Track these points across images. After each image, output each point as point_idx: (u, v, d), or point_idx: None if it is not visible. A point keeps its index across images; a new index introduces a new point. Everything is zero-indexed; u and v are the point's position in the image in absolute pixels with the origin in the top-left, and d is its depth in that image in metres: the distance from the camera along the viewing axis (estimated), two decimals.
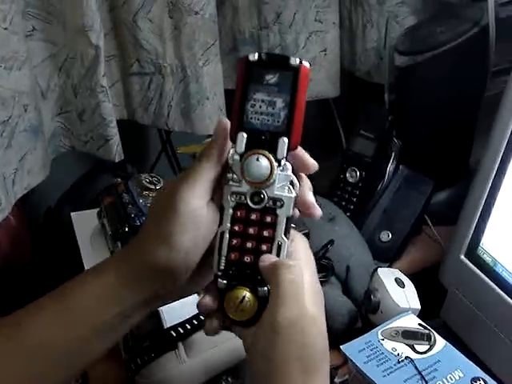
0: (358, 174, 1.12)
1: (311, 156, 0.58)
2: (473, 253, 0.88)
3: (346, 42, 1.27)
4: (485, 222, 0.87)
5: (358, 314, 0.94)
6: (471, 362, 0.76)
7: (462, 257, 0.90)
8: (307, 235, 0.60)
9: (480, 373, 0.75)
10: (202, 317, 0.82)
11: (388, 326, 0.82)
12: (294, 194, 0.55)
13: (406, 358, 0.76)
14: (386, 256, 1.08)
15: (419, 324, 0.82)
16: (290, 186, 0.55)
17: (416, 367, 0.75)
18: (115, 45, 1.10)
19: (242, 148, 0.55)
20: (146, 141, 1.36)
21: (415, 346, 0.78)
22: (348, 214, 1.10)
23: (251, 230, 0.56)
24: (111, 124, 1.06)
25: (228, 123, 0.56)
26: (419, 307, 0.90)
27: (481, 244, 0.87)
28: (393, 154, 1.13)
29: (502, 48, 1.06)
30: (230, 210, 0.56)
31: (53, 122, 1.08)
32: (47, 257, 1.08)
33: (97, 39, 0.98)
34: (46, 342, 0.57)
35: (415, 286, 0.94)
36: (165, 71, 1.11)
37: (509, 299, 0.81)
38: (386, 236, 1.09)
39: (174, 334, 0.82)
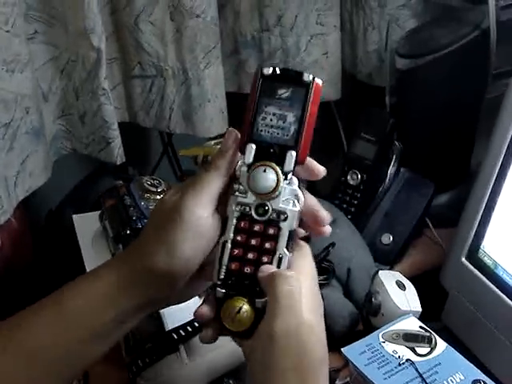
0: (359, 176, 1.13)
1: (313, 158, 0.58)
2: (474, 255, 0.88)
3: (347, 45, 1.27)
4: (486, 225, 0.87)
5: (358, 317, 0.94)
6: (472, 365, 0.76)
7: (463, 259, 0.90)
8: (308, 238, 0.60)
9: (481, 375, 0.75)
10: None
11: (389, 329, 0.82)
12: (298, 208, 0.56)
13: (407, 360, 0.76)
14: (387, 258, 1.08)
15: (420, 326, 0.82)
16: (295, 200, 0.56)
17: (417, 370, 0.75)
18: (117, 48, 1.11)
19: (250, 159, 0.56)
20: (147, 143, 1.36)
21: (416, 348, 0.78)
22: (349, 216, 1.10)
23: (253, 242, 0.56)
24: (113, 126, 1.06)
25: (238, 135, 0.57)
26: (420, 310, 0.90)
27: (482, 247, 0.87)
28: (394, 157, 1.13)
29: (503, 51, 1.07)
30: (234, 220, 0.56)
31: (54, 125, 1.08)
32: (49, 259, 1.08)
33: (98, 42, 0.99)
34: (46, 344, 0.57)
35: (416, 289, 0.94)
36: (166, 74, 1.11)
37: (509, 301, 0.81)
38: (387, 238, 1.09)
39: (176, 337, 0.82)
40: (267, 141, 0.55)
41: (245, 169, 0.56)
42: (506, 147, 0.83)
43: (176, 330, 0.83)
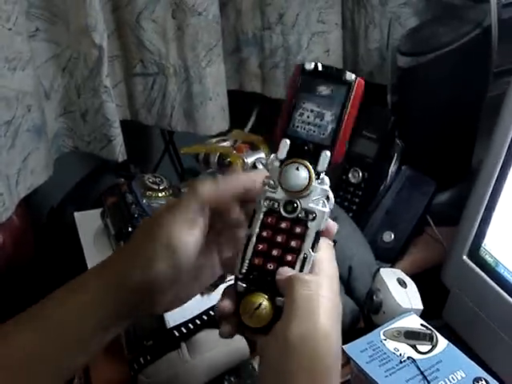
0: (361, 174, 1.13)
1: None
2: (475, 253, 0.88)
3: (348, 43, 1.27)
4: (487, 223, 0.87)
5: (360, 314, 0.94)
6: (473, 362, 0.76)
7: (464, 257, 0.90)
8: (334, 241, 0.59)
9: (482, 373, 0.75)
10: (205, 316, 0.83)
11: (390, 327, 0.82)
12: (327, 209, 0.55)
13: (408, 358, 0.76)
14: (388, 256, 1.08)
15: (421, 324, 0.82)
16: (325, 201, 0.55)
17: (418, 367, 0.75)
18: (118, 45, 1.11)
19: (283, 154, 0.55)
20: (149, 141, 1.36)
21: (417, 346, 0.78)
22: (350, 214, 1.10)
23: (279, 238, 0.55)
24: (114, 124, 1.06)
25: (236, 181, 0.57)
26: (421, 307, 0.90)
27: (483, 245, 0.87)
28: (395, 155, 1.13)
29: (505, 49, 1.06)
30: (261, 215, 0.55)
31: (56, 123, 1.08)
32: (50, 257, 1.08)
33: (100, 40, 0.99)
34: (33, 356, 0.57)
35: (417, 287, 0.94)
36: (168, 72, 1.12)
37: (510, 299, 0.81)
38: (388, 236, 1.09)
39: (177, 334, 0.82)
40: (303, 137, 0.55)
41: (277, 164, 0.55)
42: (507, 145, 0.82)
43: (177, 327, 0.83)
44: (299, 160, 0.54)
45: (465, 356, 0.77)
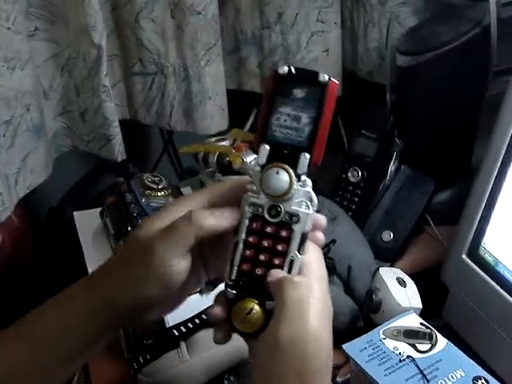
0: (360, 173, 1.13)
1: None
2: (474, 252, 0.88)
3: (347, 42, 1.27)
4: (486, 222, 0.87)
5: (359, 314, 0.94)
6: (473, 361, 0.76)
7: (464, 256, 0.90)
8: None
9: (481, 372, 0.75)
10: (204, 316, 0.83)
11: (390, 326, 0.82)
12: (311, 211, 0.55)
13: (408, 357, 0.76)
14: (387, 255, 1.08)
15: (421, 323, 0.82)
16: (309, 203, 0.55)
17: (418, 366, 0.75)
18: (117, 45, 1.11)
19: (263, 160, 0.55)
20: (148, 140, 1.36)
21: (417, 345, 0.78)
22: (350, 213, 1.10)
23: (265, 243, 0.55)
24: (113, 124, 1.06)
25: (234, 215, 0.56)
26: (421, 306, 0.90)
27: (482, 243, 0.87)
28: (394, 154, 1.13)
29: (504, 48, 1.06)
30: (246, 221, 0.55)
31: (55, 122, 1.08)
32: (49, 256, 1.08)
33: (99, 39, 0.99)
34: (18, 369, 0.57)
35: (417, 286, 0.94)
36: (167, 71, 1.12)
37: (510, 298, 0.81)
38: (387, 236, 1.09)
39: (177, 333, 0.82)
40: (281, 142, 0.55)
41: (258, 169, 0.55)
42: (506, 144, 0.83)
43: (177, 326, 0.83)
44: (279, 164, 0.54)
45: (464, 355, 0.77)
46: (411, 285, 0.94)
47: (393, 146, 1.13)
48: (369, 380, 0.74)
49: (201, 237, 0.55)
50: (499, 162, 0.84)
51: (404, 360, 0.76)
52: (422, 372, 0.74)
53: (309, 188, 0.55)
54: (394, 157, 1.12)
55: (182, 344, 0.82)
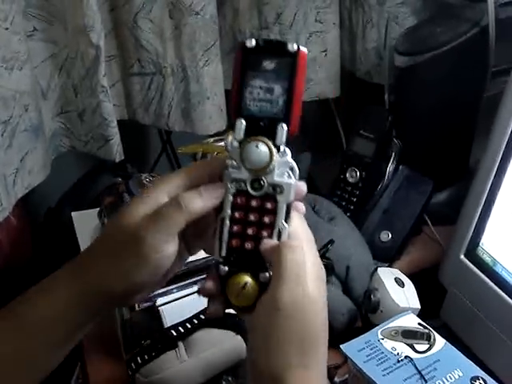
0: (358, 174, 1.13)
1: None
2: (472, 253, 0.89)
3: (346, 43, 1.27)
4: (484, 222, 0.87)
5: (357, 314, 0.94)
6: (471, 362, 0.76)
7: (462, 257, 0.90)
8: None
9: (479, 372, 0.75)
10: (202, 316, 0.83)
11: (388, 326, 0.82)
12: (293, 181, 0.55)
13: (406, 357, 0.76)
14: (385, 256, 1.08)
15: (419, 323, 0.82)
16: (290, 172, 0.55)
17: (416, 366, 0.75)
18: (116, 45, 1.11)
19: (240, 135, 0.55)
20: (146, 141, 1.36)
21: (415, 345, 0.78)
22: (348, 213, 1.10)
23: (252, 217, 0.56)
24: (112, 124, 1.06)
25: (218, 190, 0.56)
26: (419, 307, 0.90)
27: (480, 244, 0.87)
28: (393, 155, 1.13)
29: (502, 48, 1.07)
30: (230, 197, 0.55)
31: (53, 122, 1.08)
32: (48, 256, 1.08)
33: (97, 39, 0.99)
34: (5, 355, 0.57)
35: (415, 286, 0.94)
36: (165, 71, 1.11)
37: (508, 299, 0.82)
38: (385, 236, 1.09)
39: (175, 333, 0.82)
40: (256, 115, 0.54)
41: (236, 145, 0.55)
42: (504, 145, 0.83)
43: (175, 327, 0.83)
44: (257, 137, 0.54)
45: (462, 355, 0.77)
46: (409, 285, 0.94)
47: (391, 147, 1.13)
48: (367, 380, 0.74)
49: (191, 220, 0.55)
50: (497, 162, 0.84)
51: (402, 360, 0.76)
52: (419, 372, 0.74)
53: (289, 158, 0.55)
54: (392, 157, 1.13)
55: (180, 344, 0.82)
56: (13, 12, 0.91)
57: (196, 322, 0.83)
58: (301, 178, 0.56)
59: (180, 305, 0.86)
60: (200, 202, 0.55)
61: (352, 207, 1.13)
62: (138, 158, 1.31)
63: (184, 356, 0.81)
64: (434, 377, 0.74)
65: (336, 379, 0.84)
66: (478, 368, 0.75)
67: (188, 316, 0.84)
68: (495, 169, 0.84)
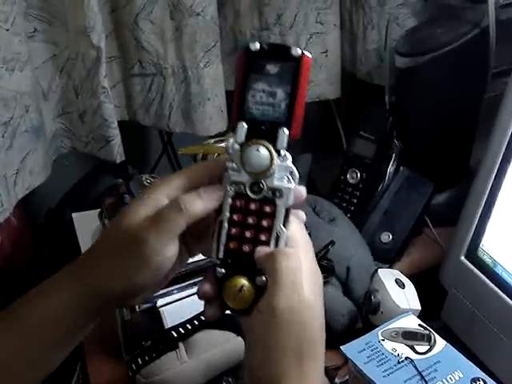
0: (359, 175, 1.13)
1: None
2: (473, 254, 0.89)
3: (346, 44, 1.27)
4: (485, 224, 0.87)
5: (358, 315, 0.94)
6: (471, 363, 0.76)
7: (463, 258, 0.90)
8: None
9: (480, 373, 0.75)
10: (202, 317, 0.83)
11: (388, 327, 0.82)
12: (293, 185, 0.55)
13: (406, 358, 0.76)
14: (386, 257, 1.08)
15: (419, 325, 0.82)
16: (290, 177, 0.55)
17: (416, 368, 0.75)
18: (117, 46, 1.11)
19: (241, 138, 0.55)
20: (147, 142, 1.36)
21: (415, 346, 0.78)
22: (348, 215, 1.10)
23: (250, 220, 0.56)
24: (112, 125, 1.06)
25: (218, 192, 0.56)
26: (419, 308, 0.90)
27: (481, 245, 0.87)
28: (393, 156, 1.13)
29: (503, 50, 1.07)
30: (229, 200, 0.55)
31: (54, 123, 1.08)
32: (48, 257, 1.08)
33: (98, 40, 0.99)
34: (6, 359, 0.57)
35: (415, 287, 0.94)
36: (166, 72, 1.12)
37: (509, 300, 0.81)
38: (386, 237, 1.09)
39: (175, 335, 0.82)
40: (258, 118, 0.54)
41: (237, 147, 0.55)
42: (505, 146, 0.83)
43: (175, 328, 0.83)
44: (258, 141, 0.54)
45: (463, 356, 0.77)
46: (410, 286, 0.94)
47: (391, 148, 1.13)
48: (367, 381, 0.74)
49: (191, 223, 0.55)
50: (498, 164, 0.84)
51: (402, 361, 0.76)
52: (420, 373, 0.74)
53: (289, 162, 0.55)
54: (392, 158, 1.13)
55: (181, 345, 0.82)
56: (14, 13, 0.91)
57: (196, 323, 0.83)
58: (301, 179, 0.56)
59: (180, 306, 0.86)
60: (200, 204, 0.55)
61: (352, 208, 1.13)
62: (138, 159, 1.31)
63: (184, 357, 0.81)
64: (435, 378, 0.74)
65: (336, 380, 0.84)
66: (478, 369, 0.75)
67: (188, 317, 0.83)
68: (496, 170, 0.84)
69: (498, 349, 0.84)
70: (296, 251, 0.55)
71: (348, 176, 1.14)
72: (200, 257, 0.63)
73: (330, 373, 0.84)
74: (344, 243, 0.98)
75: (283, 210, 0.55)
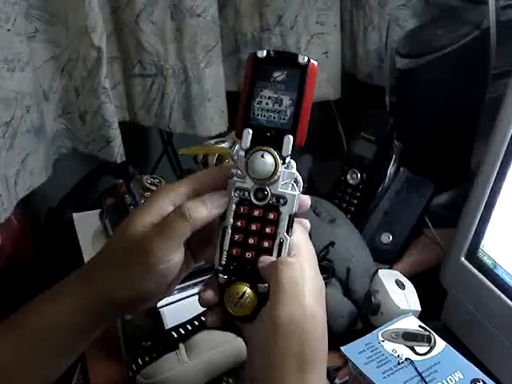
0: (359, 176, 1.13)
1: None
2: (473, 255, 0.89)
3: (347, 45, 1.27)
4: (485, 225, 0.87)
5: (358, 316, 0.94)
6: (471, 364, 0.76)
7: (463, 259, 0.90)
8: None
9: (480, 374, 0.75)
10: (203, 317, 0.83)
11: (388, 328, 0.82)
12: (297, 192, 0.55)
13: (406, 359, 0.76)
14: (386, 258, 1.08)
15: (419, 326, 0.82)
16: (294, 184, 0.55)
17: (416, 369, 0.75)
18: (117, 46, 1.11)
19: (247, 144, 0.55)
20: (147, 142, 1.36)
21: (415, 347, 0.78)
22: (349, 215, 1.10)
23: (253, 227, 0.56)
24: (113, 125, 1.06)
25: (223, 198, 0.56)
26: (419, 309, 0.90)
27: (481, 246, 0.87)
28: (393, 157, 1.13)
29: (503, 51, 1.07)
30: (233, 206, 0.56)
31: (55, 123, 1.08)
32: (49, 258, 1.08)
33: (99, 41, 0.99)
34: (8, 367, 0.57)
35: (415, 288, 0.94)
36: (167, 73, 1.12)
37: (509, 301, 0.81)
38: (386, 238, 1.09)
39: (175, 335, 0.82)
40: (264, 125, 0.55)
41: (242, 154, 0.55)
42: (505, 147, 0.83)
43: (176, 328, 0.83)
44: (263, 147, 0.55)
45: (463, 357, 0.77)
46: (410, 287, 0.94)
47: (392, 149, 1.13)
48: (367, 382, 0.74)
49: (196, 230, 0.55)
50: (498, 165, 0.84)
51: (402, 362, 0.76)
52: (420, 374, 0.74)
53: (294, 169, 0.55)
54: (393, 159, 1.13)
55: (181, 346, 0.82)
56: (15, 13, 0.91)
57: (197, 323, 0.83)
58: (301, 180, 0.57)
59: (181, 306, 0.86)
60: (205, 210, 0.55)
61: (353, 209, 1.13)
62: (139, 160, 1.31)
63: (185, 358, 0.81)
64: (435, 379, 0.74)
65: (336, 381, 0.84)
66: (478, 370, 0.75)
67: (189, 317, 0.83)
68: (496, 171, 0.84)
69: (498, 350, 0.84)
70: (298, 260, 0.55)
71: (348, 177, 1.14)
72: None
73: (330, 374, 0.84)
74: (344, 244, 0.98)
75: (287, 217, 0.55)
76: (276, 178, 0.55)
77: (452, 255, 0.93)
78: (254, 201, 0.55)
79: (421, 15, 1.19)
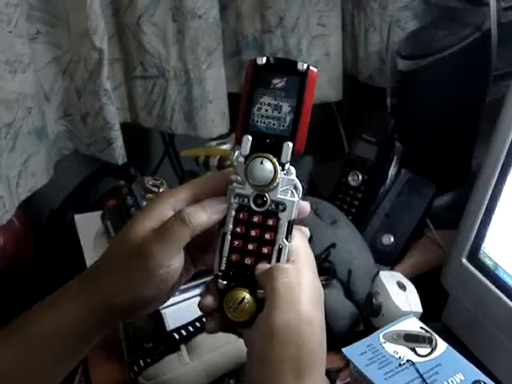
0: (360, 177, 1.13)
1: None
2: (474, 256, 0.89)
3: (348, 46, 1.27)
4: (486, 226, 0.87)
5: (359, 317, 0.94)
6: (472, 365, 0.76)
7: (464, 260, 0.90)
8: (309, 239, 0.60)
9: (481, 376, 0.75)
10: (204, 319, 0.83)
11: (389, 329, 0.82)
12: (296, 199, 0.56)
13: (408, 361, 0.76)
14: (387, 259, 1.08)
15: (421, 327, 0.82)
16: (294, 190, 0.56)
17: (417, 370, 0.75)
18: (119, 48, 1.11)
19: (246, 150, 0.55)
20: (149, 144, 1.36)
21: (417, 349, 0.78)
22: (350, 217, 1.10)
23: (253, 233, 0.56)
24: (114, 127, 1.06)
25: (222, 205, 0.56)
26: (421, 310, 0.91)
27: (482, 248, 0.87)
28: (395, 158, 1.13)
29: (504, 52, 1.07)
30: (233, 212, 0.56)
31: (56, 125, 1.08)
32: (51, 259, 1.08)
33: (100, 42, 0.99)
34: (9, 373, 0.57)
35: (417, 290, 0.94)
36: (168, 75, 1.12)
37: (510, 302, 0.81)
38: (387, 239, 1.09)
39: (177, 337, 0.83)
40: (263, 131, 0.55)
41: (242, 160, 0.56)
42: (506, 149, 0.83)
43: (177, 329, 0.83)
44: (263, 154, 0.55)
45: (464, 359, 0.77)
46: (411, 288, 0.94)
47: (393, 150, 1.13)
48: None
49: (195, 235, 0.55)
50: (499, 166, 0.84)
51: (404, 364, 0.76)
52: (421, 376, 0.74)
53: (293, 176, 0.56)
54: (394, 160, 1.13)
55: (183, 347, 0.82)
56: (16, 15, 0.91)
57: (198, 325, 0.83)
58: (302, 181, 0.57)
59: (182, 308, 0.86)
60: (204, 216, 0.55)
61: (354, 210, 1.13)
62: (140, 161, 1.31)
63: (186, 359, 0.81)
64: (436, 380, 0.74)
65: (338, 382, 0.84)
66: (479, 372, 0.75)
67: (190, 319, 0.84)
68: (497, 172, 0.84)
69: (499, 351, 0.84)
70: (296, 266, 0.55)
71: (349, 178, 1.14)
72: None
73: (331, 375, 0.84)
74: (345, 245, 0.98)
75: (286, 223, 0.56)
76: (275, 184, 0.55)
77: (453, 256, 0.93)
78: (254, 207, 0.56)
79: (422, 17, 1.19)
